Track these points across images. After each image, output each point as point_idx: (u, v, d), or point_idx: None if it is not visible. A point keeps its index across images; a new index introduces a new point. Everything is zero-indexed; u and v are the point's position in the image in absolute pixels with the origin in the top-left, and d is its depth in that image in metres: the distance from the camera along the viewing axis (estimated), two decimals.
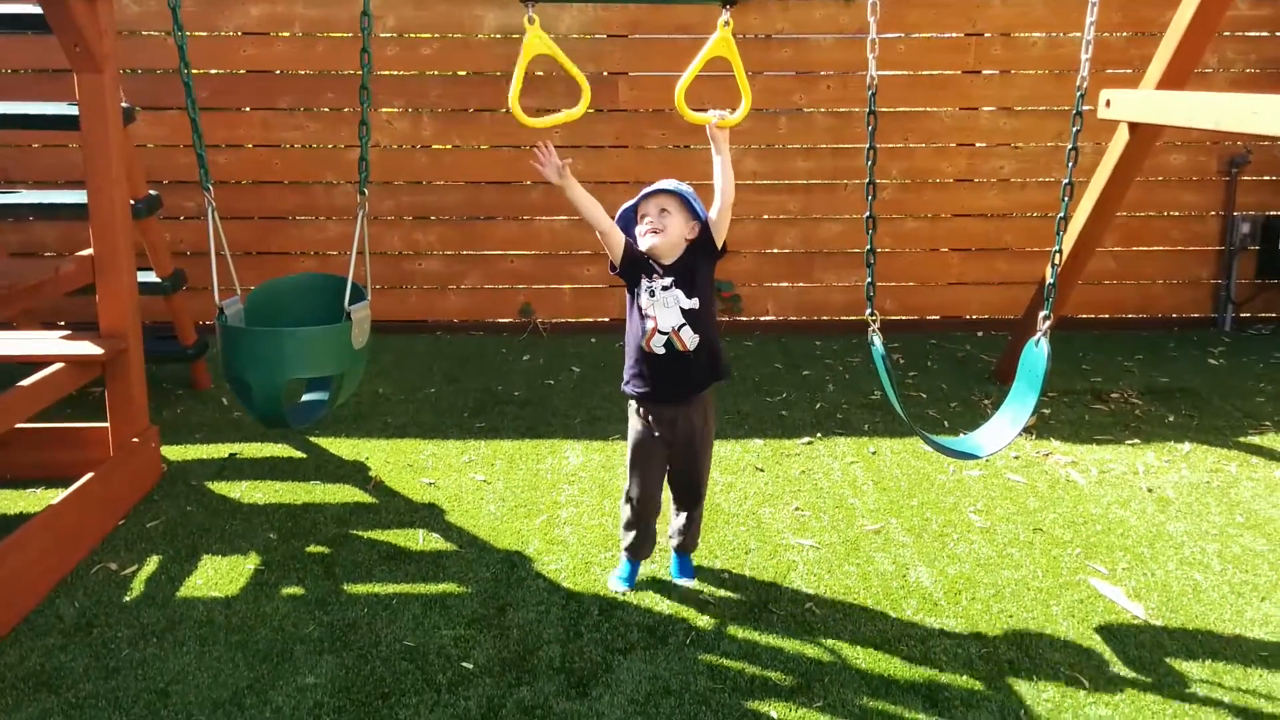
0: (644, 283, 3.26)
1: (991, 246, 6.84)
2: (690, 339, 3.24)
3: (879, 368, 3.28)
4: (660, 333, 3.24)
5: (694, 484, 3.49)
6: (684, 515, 3.56)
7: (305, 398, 3.61)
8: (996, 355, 6.11)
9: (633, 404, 3.42)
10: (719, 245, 3.26)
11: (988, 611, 3.38)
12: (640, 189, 3.32)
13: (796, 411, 5.28)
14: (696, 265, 3.26)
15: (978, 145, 6.73)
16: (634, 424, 3.43)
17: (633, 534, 3.51)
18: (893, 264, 6.77)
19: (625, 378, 3.39)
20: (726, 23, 3.18)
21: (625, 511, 3.52)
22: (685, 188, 3.29)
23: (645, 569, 3.60)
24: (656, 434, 3.38)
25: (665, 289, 3.23)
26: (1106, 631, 3.27)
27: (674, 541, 3.61)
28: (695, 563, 3.66)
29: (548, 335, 6.75)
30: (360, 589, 3.52)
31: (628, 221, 3.35)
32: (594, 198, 3.26)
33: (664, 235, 3.22)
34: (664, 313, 3.23)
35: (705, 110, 3.21)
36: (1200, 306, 6.95)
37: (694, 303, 3.23)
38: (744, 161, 6.57)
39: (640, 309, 3.27)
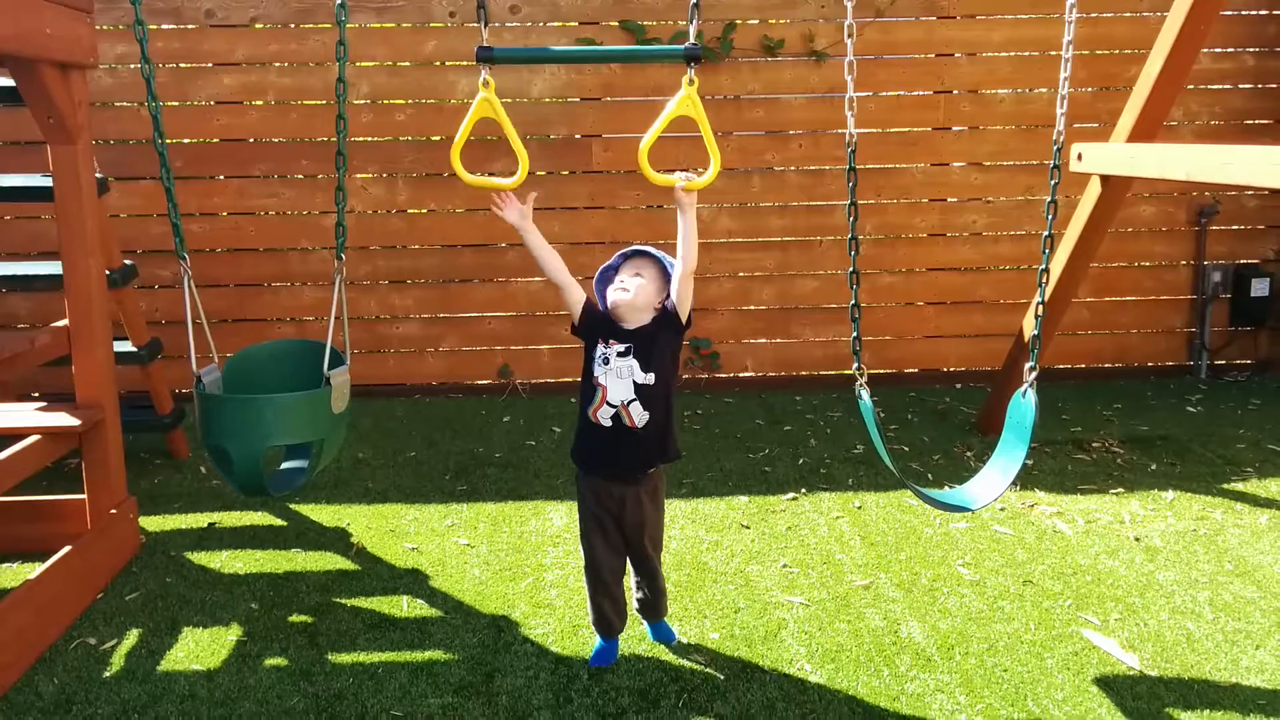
0: (599, 347, 3.11)
1: (966, 299, 6.89)
2: (639, 416, 3.08)
3: (868, 422, 3.26)
4: (609, 404, 3.09)
5: (646, 565, 3.35)
6: (642, 590, 3.44)
7: (285, 465, 3.56)
8: (976, 407, 6.13)
9: (580, 473, 3.28)
10: (682, 318, 3.11)
11: (982, 666, 3.35)
12: (616, 249, 3.26)
13: (780, 467, 5.26)
14: (657, 337, 3.11)
15: (949, 200, 6.79)
16: (580, 494, 3.29)
17: (596, 610, 3.36)
18: (869, 318, 6.79)
19: (572, 443, 3.27)
20: (691, 80, 3.06)
21: (587, 586, 3.37)
22: (666, 255, 3.19)
23: (635, 629, 3.55)
24: (603, 507, 3.23)
25: (620, 356, 3.08)
26: (1103, 684, 3.24)
27: (639, 612, 3.51)
28: (685, 621, 3.62)
29: (527, 396, 6.73)
30: (345, 658, 3.45)
31: (605, 280, 3.24)
32: (554, 251, 3.17)
33: (630, 296, 3.10)
34: (615, 384, 3.08)
35: (672, 172, 3.10)
36: (1175, 355, 7.01)
37: (649, 378, 3.07)
38: (719, 220, 6.62)
39: (591, 375, 3.12)
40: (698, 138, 3.13)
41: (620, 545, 3.31)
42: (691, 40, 3.12)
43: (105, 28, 6.14)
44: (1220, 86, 6.72)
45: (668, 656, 3.42)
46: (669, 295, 3.14)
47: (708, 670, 3.34)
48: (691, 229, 3.06)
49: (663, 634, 3.53)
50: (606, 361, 3.09)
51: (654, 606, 3.47)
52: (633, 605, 3.51)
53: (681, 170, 3.12)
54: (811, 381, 6.85)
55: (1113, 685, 3.23)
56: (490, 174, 6.45)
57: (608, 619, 3.37)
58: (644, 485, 3.22)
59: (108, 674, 3.38)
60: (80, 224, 3.96)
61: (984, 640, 3.51)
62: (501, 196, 3.17)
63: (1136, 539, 4.31)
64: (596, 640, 3.45)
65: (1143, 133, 4.83)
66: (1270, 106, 6.73)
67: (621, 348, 3.10)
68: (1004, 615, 3.68)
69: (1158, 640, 3.50)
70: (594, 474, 3.24)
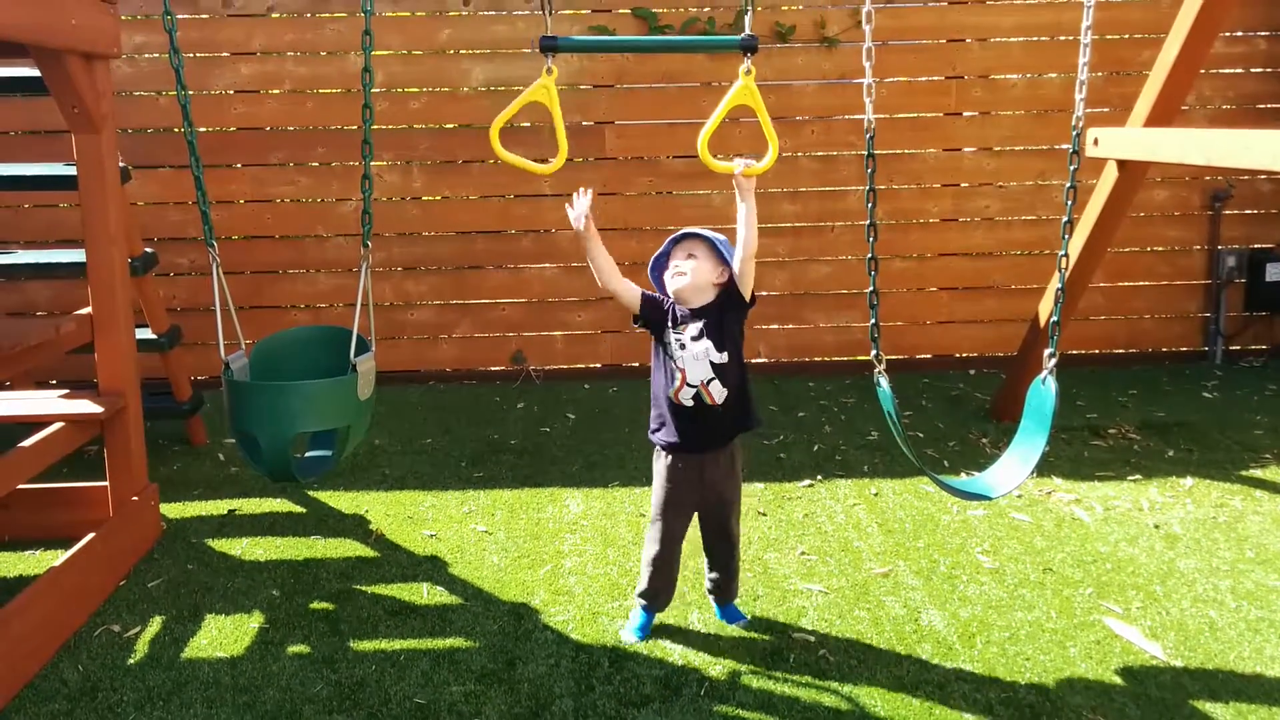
0: (671, 334, 3.22)
1: (980, 285, 6.88)
2: (719, 393, 3.19)
3: (887, 410, 3.27)
4: (689, 385, 3.19)
5: (726, 533, 3.44)
6: (717, 571, 3.54)
7: (310, 452, 3.58)
8: (991, 393, 6.13)
9: (660, 450, 3.38)
10: (746, 296, 3.21)
11: (1004, 654, 3.36)
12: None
13: (795, 454, 5.27)
14: (724, 317, 3.21)
15: (962, 185, 6.79)
16: (660, 470, 3.37)
17: (652, 583, 3.45)
18: (882, 304, 6.62)
19: (652, 425, 3.37)
20: (748, 70, 3.15)
21: (647, 557, 3.45)
22: (714, 233, 3.28)
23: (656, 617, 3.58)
24: (684, 481, 3.33)
25: (695, 339, 3.18)
26: (1126, 673, 3.25)
27: (712, 595, 3.61)
28: (705, 610, 3.64)
29: (541, 383, 6.74)
30: (367, 645, 3.48)
31: (659, 268, 3.34)
32: (611, 259, 3.25)
33: (688, 279, 3.20)
34: (693, 365, 3.18)
35: (730, 159, 3.19)
36: (1190, 340, 7.00)
37: (723, 356, 3.18)
38: (731, 207, 6.57)
39: (671, 360, 3.22)
40: (736, 123, 3.21)
41: (688, 525, 3.43)
42: (747, 31, 3.23)
43: (125, 17, 6.14)
44: (1233, 70, 6.70)
45: (689, 644, 3.43)
46: (729, 272, 3.23)
47: (729, 659, 3.35)
48: (752, 214, 3.17)
49: (732, 615, 3.58)
50: (683, 346, 3.19)
51: (727, 588, 3.56)
52: (705, 587, 3.63)
53: (740, 157, 3.19)
54: (824, 367, 6.85)
55: (1136, 674, 3.24)
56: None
57: (657, 591, 3.47)
58: (723, 452, 3.34)
59: (132, 661, 3.40)
60: (104, 213, 3.98)
61: (1005, 629, 3.52)
62: (575, 200, 3.24)
63: (1156, 526, 4.32)
64: (638, 614, 3.52)
65: (1159, 117, 4.81)
66: None
67: (694, 330, 3.19)
68: (1025, 603, 3.69)
69: (1180, 629, 3.51)
70: (677, 451, 3.32)
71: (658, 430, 3.35)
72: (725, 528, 3.44)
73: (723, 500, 3.39)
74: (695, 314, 3.21)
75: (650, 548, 3.43)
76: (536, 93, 3.18)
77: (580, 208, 3.22)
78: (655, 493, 3.41)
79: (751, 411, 3.33)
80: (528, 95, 3.17)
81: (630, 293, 3.28)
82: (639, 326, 3.32)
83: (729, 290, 3.23)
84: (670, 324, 3.24)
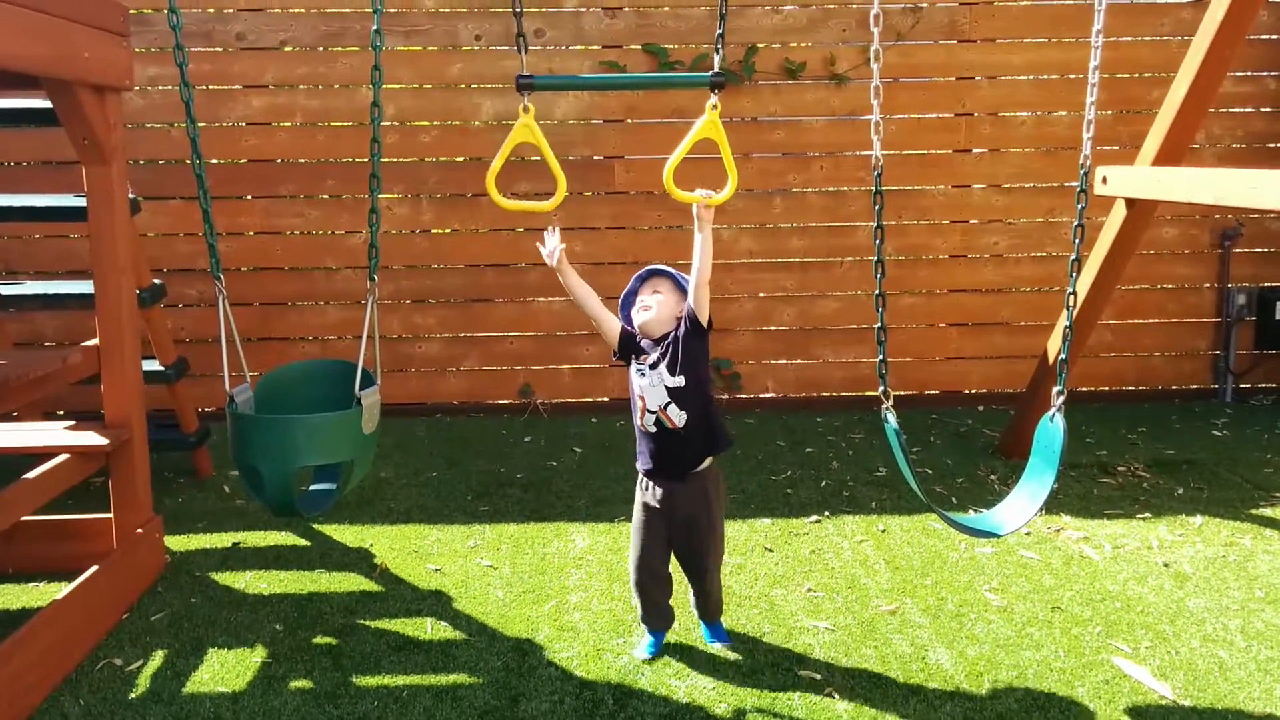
0: (635, 364, 3.40)
1: (988, 321, 6.87)
2: (678, 416, 3.33)
3: (894, 447, 3.26)
4: (649, 411, 3.35)
5: (696, 561, 3.52)
6: (694, 590, 3.64)
7: (314, 486, 3.58)
8: (999, 429, 6.11)
9: (640, 477, 3.51)
10: (703, 322, 3.32)
11: (1012, 694, 3.32)
12: (638, 269, 3.46)
13: (802, 489, 5.24)
14: (681, 343, 3.32)
15: (971, 222, 6.79)
16: (637, 494, 3.52)
17: (643, 609, 3.59)
18: (891, 339, 6.66)
19: (635, 452, 3.51)
20: (714, 106, 3.30)
21: (632, 584, 3.60)
22: (678, 271, 3.45)
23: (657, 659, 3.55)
24: (656, 505, 3.44)
25: (652, 367, 3.33)
26: (1135, 713, 3.21)
27: (694, 612, 3.70)
28: (711, 646, 3.63)
29: (548, 416, 6.73)
30: (370, 681, 3.45)
31: (628, 305, 3.50)
32: (588, 286, 3.42)
33: (653, 313, 3.37)
34: (651, 392, 3.34)
35: (693, 190, 3.28)
36: (1200, 378, 6.97)
37: (679, 380, 3.30)
38: (740, 241, 6.62)
39: (634, 388, 3.40)
40: (718, 159, 3.34)
41: (665, 547, 3.52)
42: (716, 68, 3.37)
43: (137, 50, 6.18)
44: (1242, 110, 6.71)
45: (694, 681, 3.40)
46: (688, 304, 3.36)
47: (734, 696, 3.32)
48: (707, 243, 3.28)
49: (715, 634, 3.67)
50: (643, 375, 3.36)
51: (708, 607, 3.66)
52: (690, 604, 3.71)
53: (701, 189, 3.29)
54: (832, 403, 6.84)
55: (1145, 715, 3.20)
56: (512, 194, 6.51)
57: (652, 614, 3.60)
58: (694, 483, 3.44)
59: (133, 695, 3.38)
60: (113, 244, 3.99)
61: (1013, 667, 3.48)
62: (546, 237, 3.42)
63: (1165, 565, 4.28)
64: (646, 635, 3.64)
65: (1168, 156, 4.81)
66: None
67: (653, 359, 3.35)
68: (1033, 642, 3.65)
69: (1190, 669, 3.47)
70: (651, 475, 3.47)
71: (637, 457, 3.50)
72: (696, 556, 3.52)
73: (694, 530, 3.47)
74: (655, 343, 3.39)
75: (632, 574, 3.58)
76: (520, 133, 3.28)
77: (552, 244, 3.39)
78: (634, 518, 3.55)
79: (718, 436, 3.45)
80: (512, 139, 3.27)
81: (612, 322, 3.46)
82: (616, 359, 3.50)
83: (688, 320, 3.35)
84: (635, 355, 3.42)
